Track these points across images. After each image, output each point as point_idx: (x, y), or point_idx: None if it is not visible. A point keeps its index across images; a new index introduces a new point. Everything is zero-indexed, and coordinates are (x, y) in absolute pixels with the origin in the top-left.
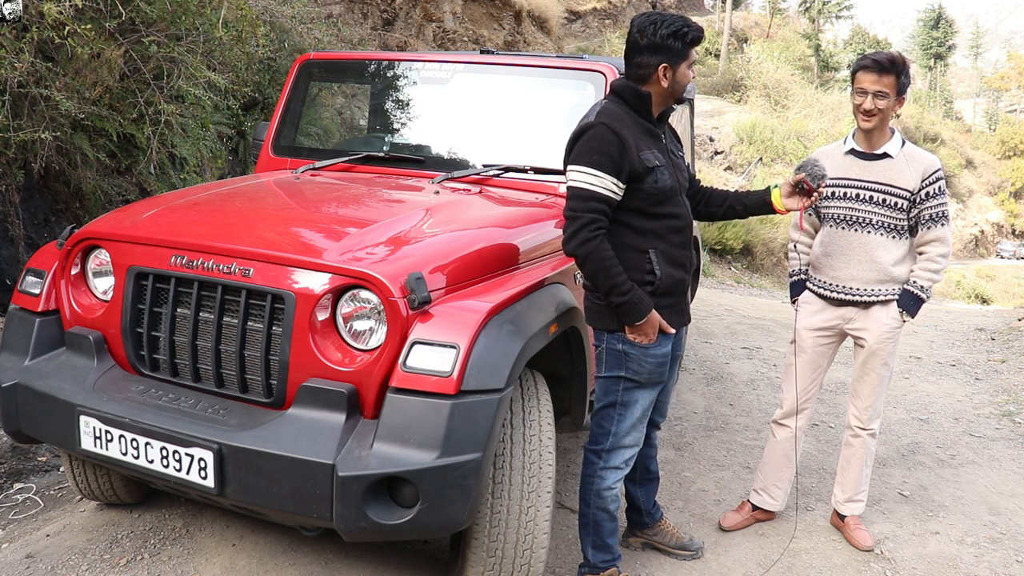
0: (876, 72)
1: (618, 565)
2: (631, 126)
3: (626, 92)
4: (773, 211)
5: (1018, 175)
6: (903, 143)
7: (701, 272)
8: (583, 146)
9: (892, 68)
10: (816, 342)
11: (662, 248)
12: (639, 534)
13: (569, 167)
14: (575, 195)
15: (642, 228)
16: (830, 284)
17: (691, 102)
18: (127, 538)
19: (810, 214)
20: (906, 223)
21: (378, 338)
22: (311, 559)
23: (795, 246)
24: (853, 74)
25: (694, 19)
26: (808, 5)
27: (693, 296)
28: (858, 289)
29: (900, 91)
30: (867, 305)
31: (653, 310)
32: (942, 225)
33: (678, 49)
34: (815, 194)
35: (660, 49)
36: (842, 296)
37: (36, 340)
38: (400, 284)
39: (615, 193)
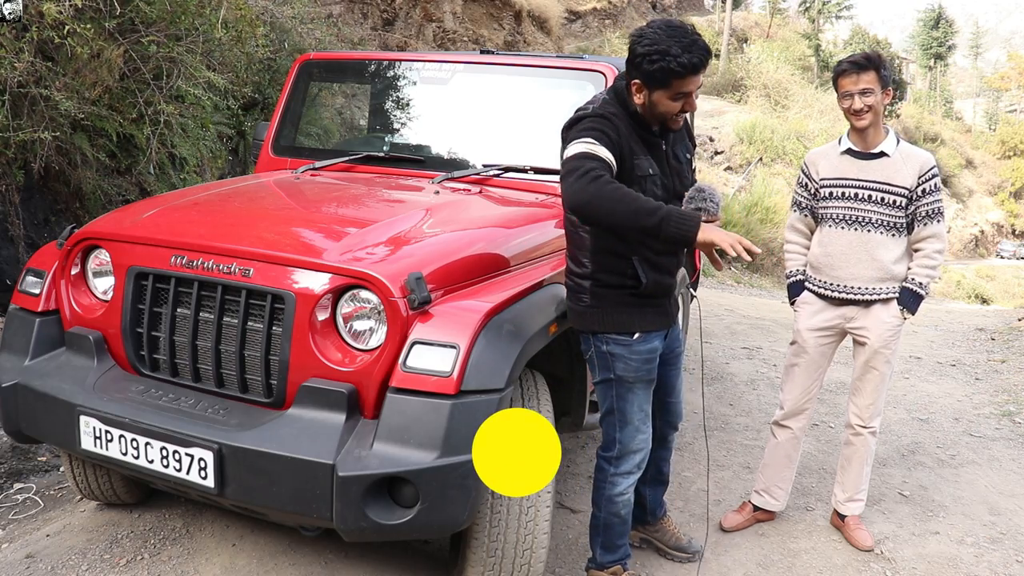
0: (855, 72)
1: (625, 563)
2: (625, 128)
3: (622, 95)
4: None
5: (1018, 175)
6: (898, 141)
7: (701, 272)
8: (578, 131)
9: (869, 64)
10: (818, 342)
11: (645, 255)
12: (639, 529)
13: (565, 149)
14: (568, 160)
15: (627, 235)
16: (831, 284)
17: None
18: (127, 538)
19: (806, 215)
20: (904, 220)
21: (378, 338)
22: (311, 559)
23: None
24: (834, 81)
25: (693, 20)
26: (808, 5)
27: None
28: (859, 288)
29: (884, 84)
30: (868, 304)
31: (699, 218)
32: (938, 222)
33: (649, 72)
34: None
35: (634, 66)
36: (843, 295)
37: (36, 340)
38: (400, 284)
39: (612, 163)
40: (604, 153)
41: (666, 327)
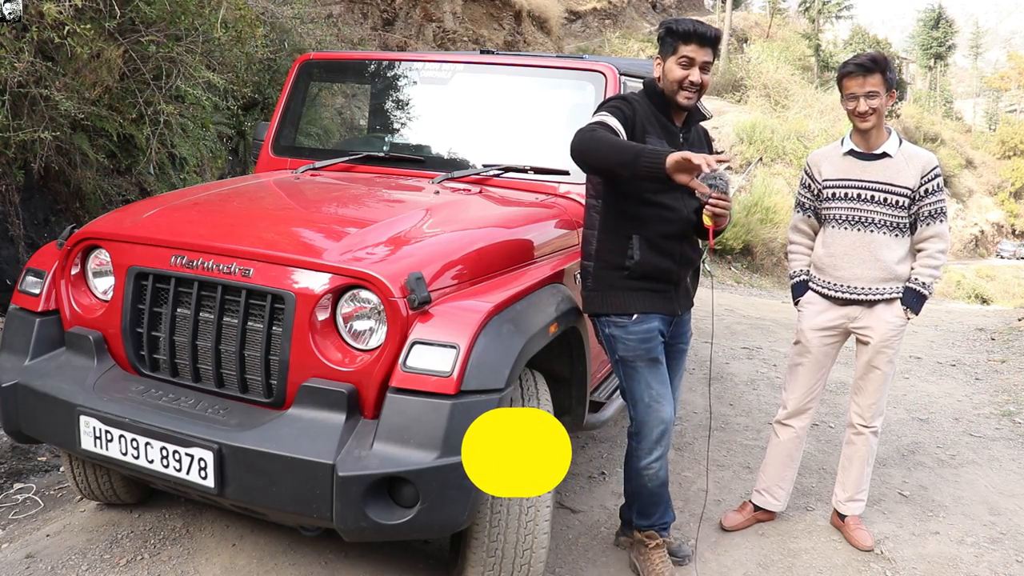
0: (861, 75)
1: (658, 529)
2: (644, 110)
3: (647, 86)
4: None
5: (1018, 175)
6: (900, 142)
7: (701, 272)
8: (598, 110)
9: (875, 66)
10: (821, 342)
11: (646, 235)
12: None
13: None
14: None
15: (630, 212)
16: (834, 284)
17: None
18: (127, 538)
19: (809, 216)
20: (907, 221)
21: (378, 338)
22: (311, 559)
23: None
24: (839, 82)
25: (693, 19)
26: (808, 5)
27: (693, 295)
28: (863, 288)
29: (889, 87)
30: (872, 304)
31: (671, 151)
32: (940, 221)
33: (661, 37)
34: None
35: (657, 42)
36: (847, 296)
37: (36, 340)
38: (400, 284)
39: (619, 130)
40: (612, 121)
41: (668, 313)
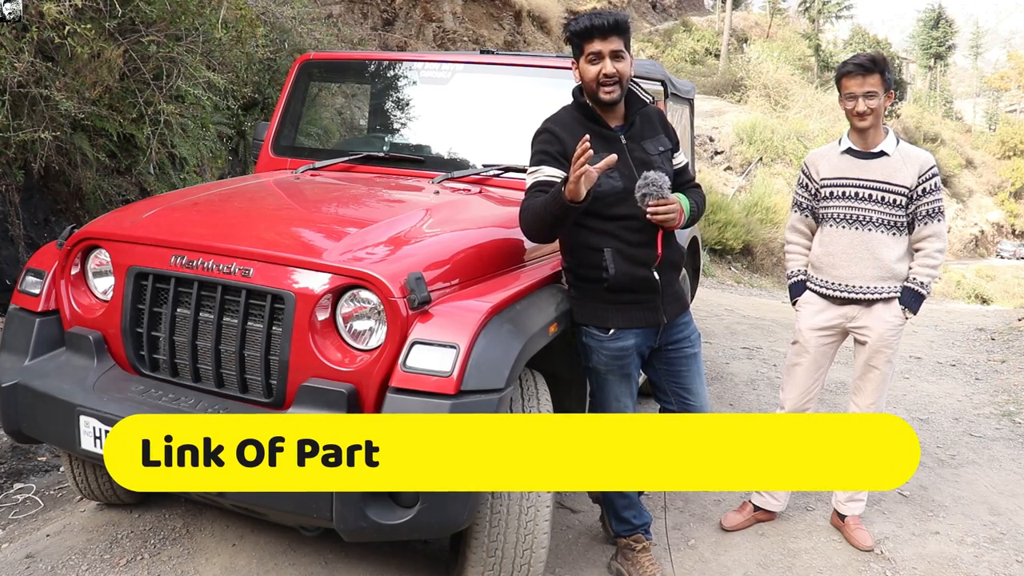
0: (861, 75)
1: (642, 532)
2: (574, 129)
3: (575, 94)
4: None
5: (1018, 175)
6: (897, 141)
7: (701, 272)
8: (531, 157)
9: (875, 67)
10: (819, 342)
11: (617, 247)
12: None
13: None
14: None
15: (597, 228)
16: (832, 283)
17: (691, 102)
18: (127, 538)
19: (807, 216)
20: (905, 220)
21: (378, 338)
22: (311, 559)
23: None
24: (838, 81)
25: (693, 20)
26: (808, 5)
27: (693, 296)
28: (861, 287)
29: (887, 87)
30: (870, 303)
31: (564, 185)
32: (938, 221)
33: (567, 40)
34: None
35: (566, 44)
36: (845, 295)
37: (36, 340)
38: (400, 284)
39: (557, 178)
40: (546, 174)
41: (650, 324)
